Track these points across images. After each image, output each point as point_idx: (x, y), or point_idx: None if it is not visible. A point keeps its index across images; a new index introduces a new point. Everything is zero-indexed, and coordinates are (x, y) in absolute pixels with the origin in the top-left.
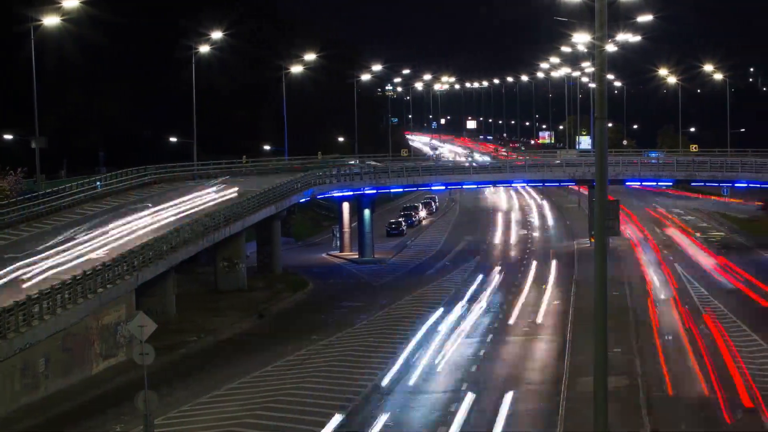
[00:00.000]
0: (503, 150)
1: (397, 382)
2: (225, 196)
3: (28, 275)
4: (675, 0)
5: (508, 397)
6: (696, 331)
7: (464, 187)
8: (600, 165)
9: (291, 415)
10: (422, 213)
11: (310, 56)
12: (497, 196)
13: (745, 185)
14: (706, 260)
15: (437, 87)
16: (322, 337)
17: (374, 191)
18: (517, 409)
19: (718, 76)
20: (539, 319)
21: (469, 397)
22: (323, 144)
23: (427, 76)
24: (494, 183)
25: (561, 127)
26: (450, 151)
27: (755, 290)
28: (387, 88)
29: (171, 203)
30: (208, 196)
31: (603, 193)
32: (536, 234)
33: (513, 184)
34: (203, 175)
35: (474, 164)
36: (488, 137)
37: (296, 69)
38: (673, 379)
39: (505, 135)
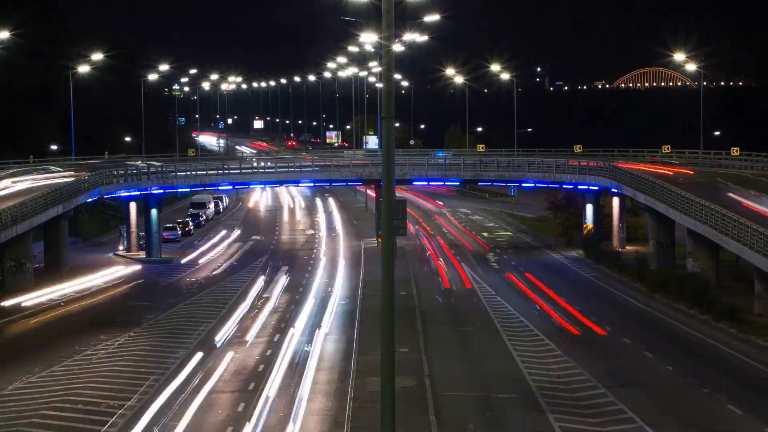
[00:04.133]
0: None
1: (186, 383)
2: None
3: None
4: (462, 0)
5: (299, 396)
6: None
7: (251, 186)
8: (387, 165)
9: (76, 414)
10: (210, 211)
11: (97, 56)
12: (284, 196)
13: (533, 185)
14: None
15: (224, 87)
16: (109, 337)
17: (161, 191)
18: (307, 408)
19: (505, 76)
20: (327, 318)
21: (260, 397)
22: (111, 144)
23: (215, 76)
24: (281, 183)
25: (348, 126)
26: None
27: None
28: (174, 88)
29: None
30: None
31: (390, 193)
32: (323, 234)
33: (300, 184)
34: None
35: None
36: (300, 136)
37: (83, 69)
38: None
39: (291, 134)
